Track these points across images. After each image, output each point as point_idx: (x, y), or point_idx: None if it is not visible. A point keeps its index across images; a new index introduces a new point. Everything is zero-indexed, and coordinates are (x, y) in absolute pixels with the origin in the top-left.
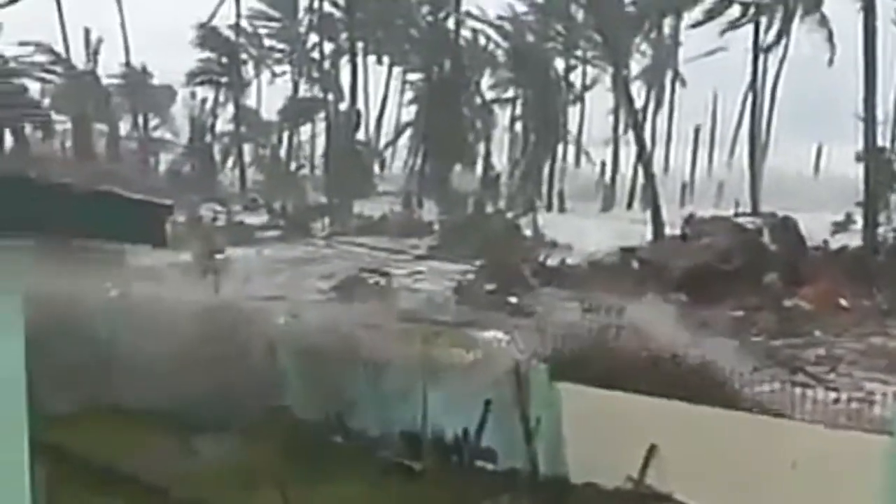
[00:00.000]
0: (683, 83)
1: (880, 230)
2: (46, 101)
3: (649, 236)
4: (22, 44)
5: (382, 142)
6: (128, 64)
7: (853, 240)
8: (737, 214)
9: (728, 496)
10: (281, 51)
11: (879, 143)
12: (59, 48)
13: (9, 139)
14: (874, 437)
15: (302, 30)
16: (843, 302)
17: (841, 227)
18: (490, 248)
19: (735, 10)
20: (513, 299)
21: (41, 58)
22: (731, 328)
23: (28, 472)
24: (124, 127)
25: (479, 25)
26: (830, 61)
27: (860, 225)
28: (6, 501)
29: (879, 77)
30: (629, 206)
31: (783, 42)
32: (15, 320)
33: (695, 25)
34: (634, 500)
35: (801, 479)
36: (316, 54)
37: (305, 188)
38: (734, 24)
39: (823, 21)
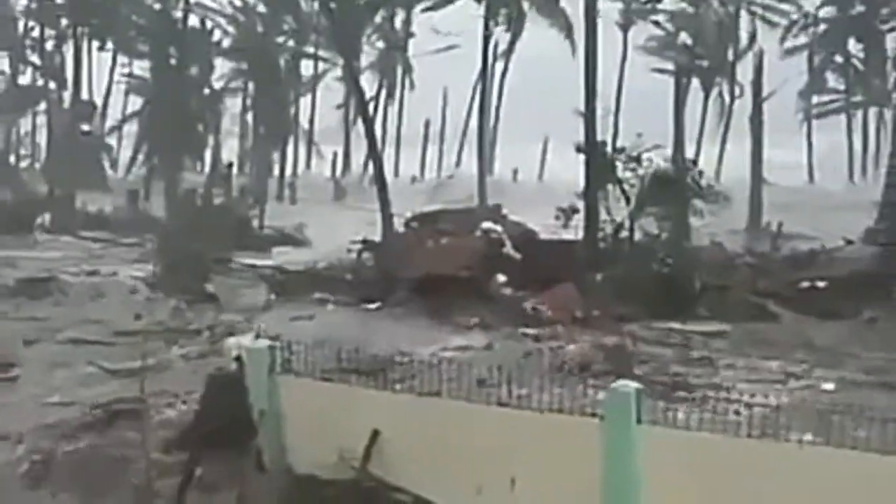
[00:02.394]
0: (412, 80)
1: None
2: None
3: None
4: None
5: (111, 133)
6: None
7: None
8: (476, 219)
9: (450, 482)
10: None
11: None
12: None
13: None
14: (588, 420)
15: (18, 13)
16: (576, 312)
17: (564, 214)
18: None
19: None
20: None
21: None
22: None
23: None
24: None
25: (207, 14)
26: (572, 56)
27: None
28: None
29: (600, 73)
30: (359, 198)
31: (514, 38)
32: None
33: (424, 10)
34: (359, 488)
35: (519, 464)
36: (34, 40)
37: (26, 181)
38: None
39: (554, 15)
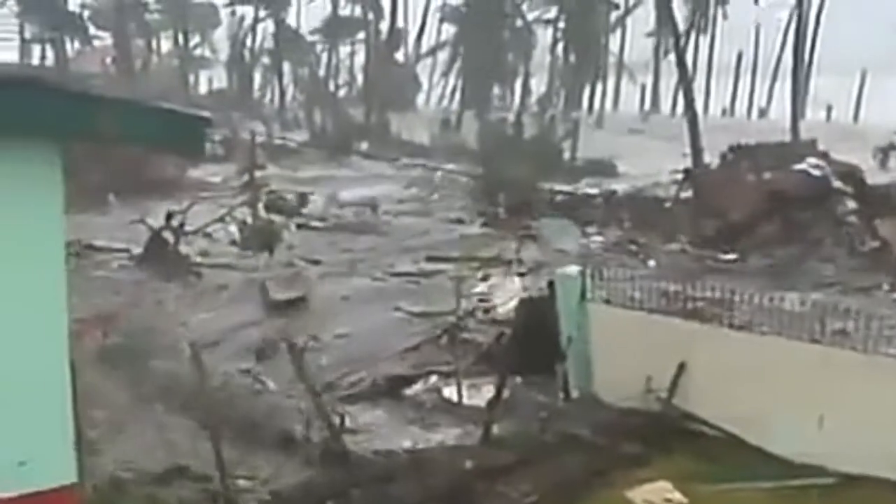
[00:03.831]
0: (725, 10)
1: None
2: (86, 15)
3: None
4: None
5: (420, 62)
6: None
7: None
8: (795, 155)
9: (756, 418)
10: None
11: None
12: None
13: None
14: None
15: None
16: None
17: (883, 153)
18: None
19: None
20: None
21: None
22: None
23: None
24: (165, 45)
25: None
26: None
27: None
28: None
29: None
30: (667, 130)
31: None
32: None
33: None
34: (665, 420)
35: (828, 402)
36: None
37: (344, 107)
38: None
39: None
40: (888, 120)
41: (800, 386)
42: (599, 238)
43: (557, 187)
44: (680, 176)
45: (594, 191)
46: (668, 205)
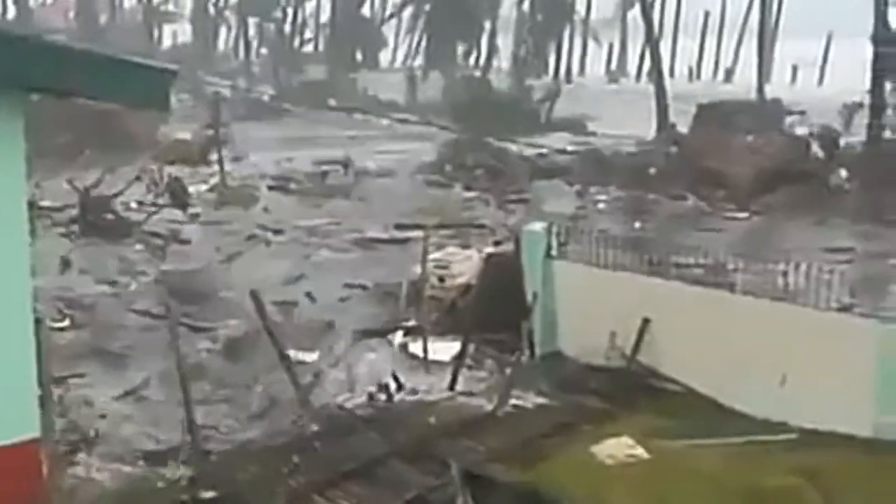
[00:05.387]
0: None
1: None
2: None
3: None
4: None
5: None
6: None
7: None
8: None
9: (719, 375)
10: None
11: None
12: None
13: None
14: (863, 322)
15: None
16: None
17: (847, 110)
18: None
19: None
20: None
21: None
22: None
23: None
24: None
25: None
26: None
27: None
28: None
29: None
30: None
31: None
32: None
33: None
34: (628, 376)
35: (791, 360)
36: None
37: (310, 63)
38: None
39: None
40: (851, 84)
41: (759, 341)
42: (602, 197)
43: (535, 147)
44: (654, 136)
45: (571, 148)
46: (651, 170)
